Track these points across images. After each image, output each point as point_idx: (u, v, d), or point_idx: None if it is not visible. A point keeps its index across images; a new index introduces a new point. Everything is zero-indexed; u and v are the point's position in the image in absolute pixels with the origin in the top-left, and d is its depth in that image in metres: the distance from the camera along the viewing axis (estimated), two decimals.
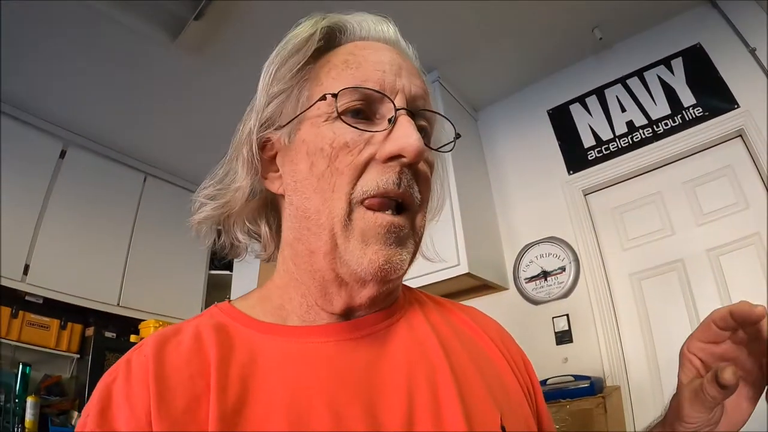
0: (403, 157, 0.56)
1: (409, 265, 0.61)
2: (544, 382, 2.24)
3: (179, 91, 2.88)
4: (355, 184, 0.57)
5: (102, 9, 2.27)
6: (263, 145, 0.66)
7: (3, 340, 2.57)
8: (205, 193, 0.68)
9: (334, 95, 0.58)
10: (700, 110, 2.38)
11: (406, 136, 0.56)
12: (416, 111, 0.62)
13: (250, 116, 0.65)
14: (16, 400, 2.48)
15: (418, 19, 2.51)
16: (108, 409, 0.50)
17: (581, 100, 2.80)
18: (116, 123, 3.14)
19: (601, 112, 2.71)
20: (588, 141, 2.72)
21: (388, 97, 0.59)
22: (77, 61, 2.64)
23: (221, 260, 3.70)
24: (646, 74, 2.60)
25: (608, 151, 2.63)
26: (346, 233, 0.57)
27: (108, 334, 2.98)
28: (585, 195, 2.69)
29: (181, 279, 3.45)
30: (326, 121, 0.59)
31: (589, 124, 2.74)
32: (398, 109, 0.59)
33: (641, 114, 2.56)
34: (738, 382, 0.54)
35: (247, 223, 0.69)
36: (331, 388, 0.54)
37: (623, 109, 2.63)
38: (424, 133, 0.64)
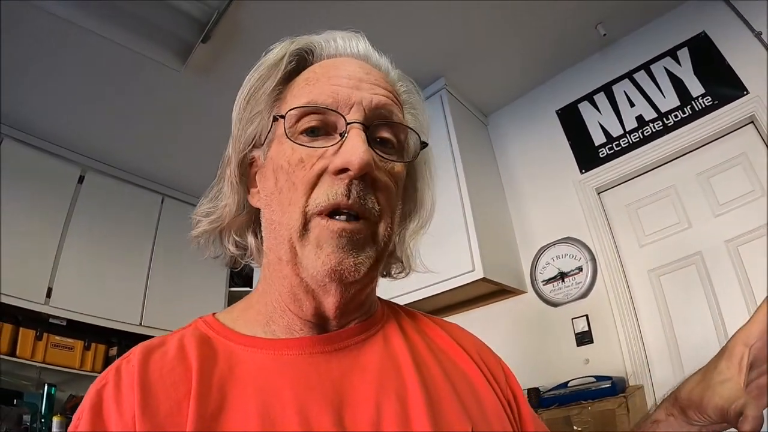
0: (350, 170, 0.58)
1: (373, 271, 0.64)
2: (565, 385, 2.22)
3: (192, 112, 2.95)
4: (308, 198, 0.59)
5: (114, 38, 2.36)
6: (251, 162, 0.70)
7: (28, 362, 2.65)
8: (200, 211, 0.73)
9: (282, 116, 0.62)
10: (710, 99, 2.33)
11: (352, 149, 0.58)
12: (372, 124, 0.63)
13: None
14: (42, 420, 2.54)
15: (421, 29, 2.55)
16: (99, 413, 0.54)
17: (589, 97, 2.78)
18: (132, 147, 3.23)
19: (610, 108, 2.68)
20: (598, 138, 2.69)
21: (338, 113, 0.61)
22: (92, 89, 2.73)
23: (240, 277, 3.75)
24: (652, 67, 2.57)
25: (619, 148, 2.59)
26: (302, 242, 0.60)
27: None
28: (598, 193, 2.65)
29: (202, 297, 3.48)
30: (287, 138, 0.62)
31: (598, 121, 2.71)
32: (349, 123, 0.61)
33: (650, 107, 2.53)
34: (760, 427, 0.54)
35: (235, 236, 0.73)
36: (301, 397, 0.56)
37: (632, 104, 2.60)
38: (389, 144, 0.65)
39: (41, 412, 2.54)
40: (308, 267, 0.59)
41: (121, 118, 2.97)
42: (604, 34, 2.61)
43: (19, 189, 2.82)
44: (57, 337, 2.79)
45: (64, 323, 2.82)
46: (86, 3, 2.21)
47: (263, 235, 0.69)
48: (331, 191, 0.58)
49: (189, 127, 3.06)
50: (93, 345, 2.95)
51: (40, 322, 2.75)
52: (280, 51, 0.68)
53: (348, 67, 0.66)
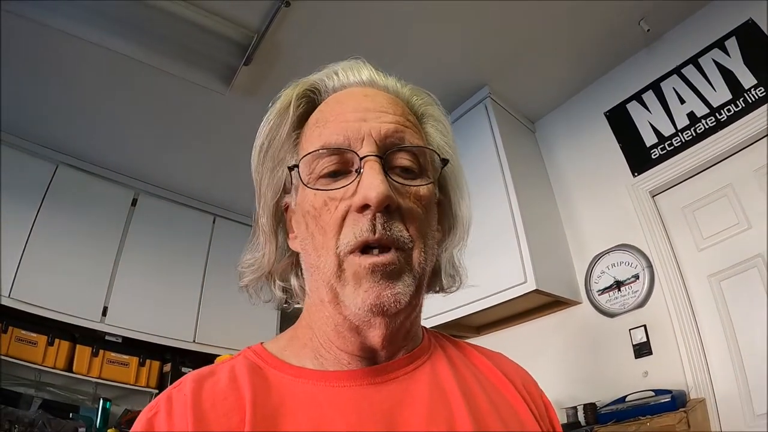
0: (370, 205, 0.58)
1: (416, 299, 0.64)
2: (623, 399, 2.13)
3: (238, 133, 3.01)
4: (338, 239, 0.60)
5: (161, 66, 2.48)
6: (285, 207, 0.72)
7: (85, 377, 2.77)
8: (244, 261, 0.74)
9: (297, 166, 0.64)
10: (763, 90, 2.18)
11: (369, 185, 0.58)
12: (386, 152, 0.63)
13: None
14: None
15: (462, 37, 2.53)
16: None
17: (638, 97, 2.66)
18: (183, 169, 3.37)
19: (660, 106, 2.55)
20: (650, 139, 2.57)
21: (351, 150, 0.62)
22: (142, 116, 2.88)
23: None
24: (700, 60, 2.43)
25: (672, 147, 2.46)
26: (341, 281, 0.60)
27: (185, 370, 3.09)
28: (652, 196, 2.53)
29: (254, 314, 3.44)
30: (305, 186, 0.63)
31: (648, 121, 2.59)
32: (362, 158, 0.61)
33: (701, 103, 2.39)
34: None
35: (279, 281, 0.73)
36: (353, 429, 0.56)
37: (682, 101, 2.47)
38: (409, 169, 0.65)
39: (96, 425, 2.64)
40: (350, 305, 0.60)
41: (171, 142, 3.11)
42: (648, 30, 2.52)
43: (75, 212, 2.99)
44: (112, 354, 2.92)
45: (120, 340, 2.94)
46: (136, 36, 2.34)
47: (304, 276, 0.70)
48: (356, 229, 0.59)
49: (237, 147, 3.12)
50: (147, 361, 3.06)
51: (96, 340, 2.87)
52: (285, 98, 0.69)
53: (352, 101, 0.67)
